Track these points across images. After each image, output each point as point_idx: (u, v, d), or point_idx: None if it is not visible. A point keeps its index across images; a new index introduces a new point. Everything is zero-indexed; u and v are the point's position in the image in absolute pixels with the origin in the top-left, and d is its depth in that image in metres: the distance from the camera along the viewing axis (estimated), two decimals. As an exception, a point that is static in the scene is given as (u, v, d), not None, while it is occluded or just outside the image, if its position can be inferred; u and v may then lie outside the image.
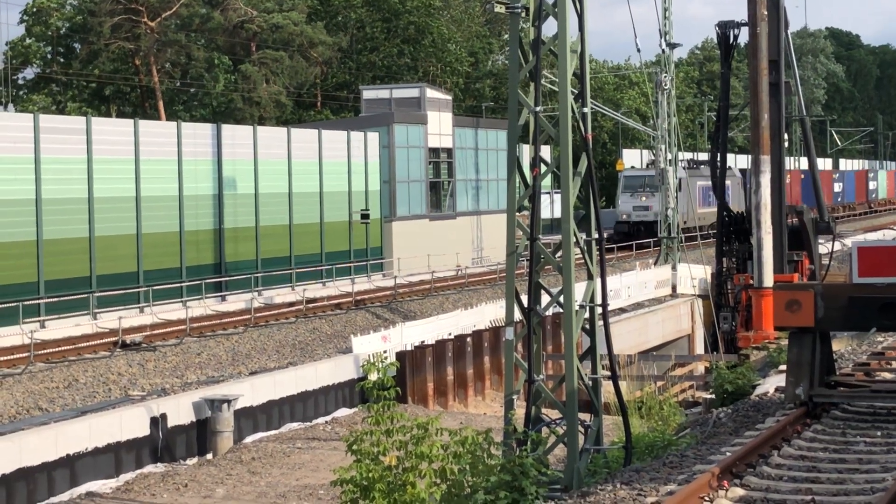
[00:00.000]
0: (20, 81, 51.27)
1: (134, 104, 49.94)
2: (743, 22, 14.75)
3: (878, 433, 11.21)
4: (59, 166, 23.41)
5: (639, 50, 31.98)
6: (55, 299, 22.67)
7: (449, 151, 36.00)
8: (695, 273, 31.11)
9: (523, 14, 11.49)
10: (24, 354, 19.13)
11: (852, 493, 8.97)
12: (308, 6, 52.74)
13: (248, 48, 49.63)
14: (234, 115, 46.11)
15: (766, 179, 12.64)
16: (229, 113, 45.96)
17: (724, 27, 16.01)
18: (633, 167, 45.85)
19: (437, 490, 10.15)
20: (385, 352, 18.99)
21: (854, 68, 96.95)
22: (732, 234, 16.03)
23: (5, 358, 19.05)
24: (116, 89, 49.85)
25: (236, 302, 26.82)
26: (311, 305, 26.53)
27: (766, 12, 12.16)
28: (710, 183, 29.46)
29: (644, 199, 42.46)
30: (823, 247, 15.69)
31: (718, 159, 17.36)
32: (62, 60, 50.82)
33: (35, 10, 49.59)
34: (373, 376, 11.16)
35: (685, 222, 37.67)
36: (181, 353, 21.36)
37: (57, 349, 20.27)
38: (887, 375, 14.05)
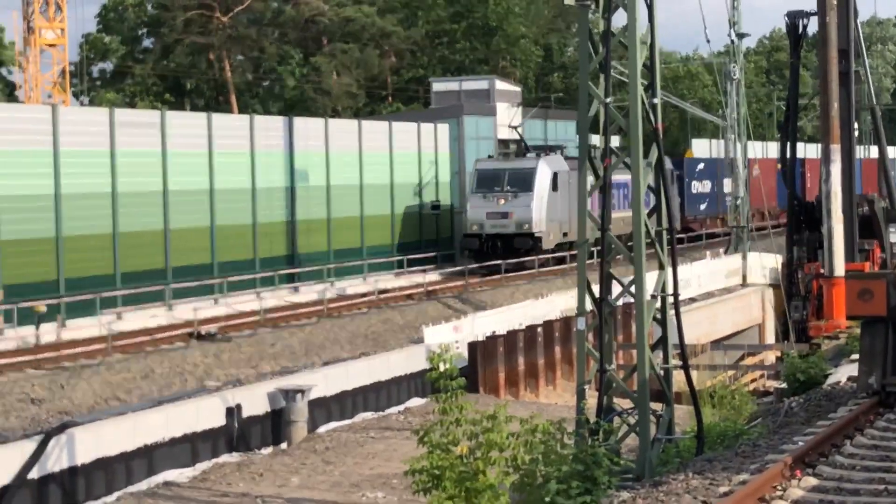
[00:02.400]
0: (94, 75, 53.45)
1: (207, 98, 51.50)
2: (812, 11, 14.77)
3: None
4: (133, 160, 24.20)
5: (708, 41, 32.29)
6: (131, 291, 23.48)
7: (518, 143, 36.40)
8: (765, 262, 30.81)
9: (592, 6, 11.75)
10: (102, 346, 19.76)
11: None
12: (384, 0, 54.21)
13: (319, 42, 50.35)
14: (306, 108, 46.91)
15: (836, 169, 12.70)
16: (302, 106, 46.86)
17: (794, 17, 16.02)
18: (489, 156, 35.54)
19: (507, 478, 10.37)
20: (456, 342, 19.40)
21: None
22: (803, 223, 16.01)
23: (84, 349, 19.78)
24: (190, 84, 51.47)
25: (309, 293, 27.39)
26: (382, 296, 26.97)
27: (835, 1, 12.21)
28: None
29: (502, 202, 30.60)
30: (895, 235, 15.75)
31: (789, 149, 17.36)
32: (137, 56, 52.85)
33: (112, 5, 51.76)
34: (442, 366, 11.65)
35: (565, 233, 32.09)
36: (255, 344, 22.01)
37: (133, 340, 20.93)
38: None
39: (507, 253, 29.59)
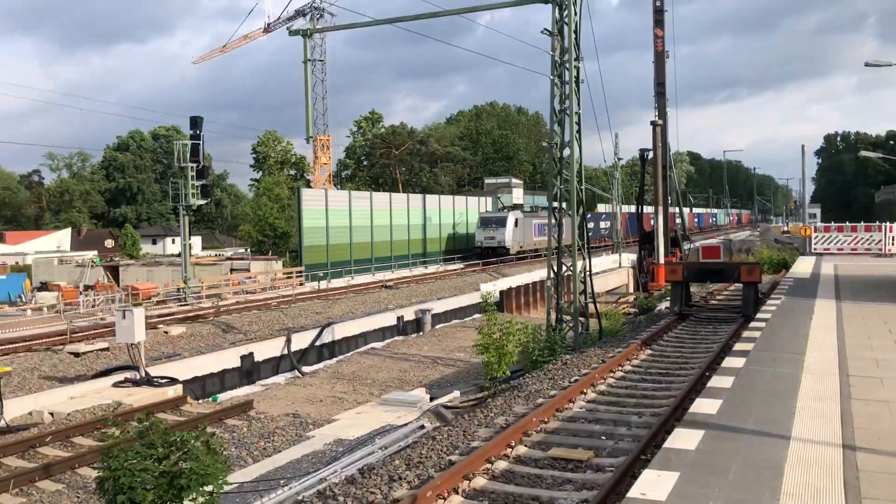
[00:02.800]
0: (342, 177, 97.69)
1: (389, 186, 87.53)
2: (649, 149, 25.75)
3: (710, 326, 19.76)
4: (358, 212, 46.32)
5: (605, 161, 55.96)
6: (357, 268, 44.49)
7: (521, 206, 68.59)
8: (629, 257, 49.73)
9: (556, 148, 24.39)
10: (345, 291, 36.15)
11: (699, 352, 16.20)
12: (460, 136, 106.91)
13: (436, 161, 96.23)
14: (431, 191, 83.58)
15: (661, 217, 23.82)
16: (429, 190, 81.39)
17: (643, 150, 26.80)
18: (487, 211, 63.47)
19: (516, 349, 20.09)
20: (494, 290, 34.07)
21: (698, 168, 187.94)
22: (645, 240, 26.59)
23: (338, 292, 35.76)
24: (381, 180, 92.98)
25: (432, 268, 47.81)
26: (463, 269, 45.60)
27: (660, 143, 24.07)
28: (543, 221, 56.18)
29: (492, 231, 55.53)
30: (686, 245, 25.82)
31: (638, 208, 27.82)
32: (361, 167, 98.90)
33: (352, 146, 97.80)
34: (484, 300, 24.43)
35: (521, 247, 56.85)
36: (410, 291, 36.84)
37: (359, 289, 36.89)
38: (714, 301, 25.33)
39: (494, 256, 54.34)
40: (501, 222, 55.75)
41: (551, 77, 23.39)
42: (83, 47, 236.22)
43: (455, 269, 51.24)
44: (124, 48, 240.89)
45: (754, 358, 11.57)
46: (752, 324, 15.48)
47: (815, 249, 33.34)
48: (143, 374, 18.70)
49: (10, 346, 22.09)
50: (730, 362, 11.40)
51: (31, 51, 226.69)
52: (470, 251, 58.30)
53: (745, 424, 8.00)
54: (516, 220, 56.67)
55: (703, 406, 8.83)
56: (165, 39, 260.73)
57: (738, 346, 13.02)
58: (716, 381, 10.18)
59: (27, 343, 22.57)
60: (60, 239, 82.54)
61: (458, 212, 60.95)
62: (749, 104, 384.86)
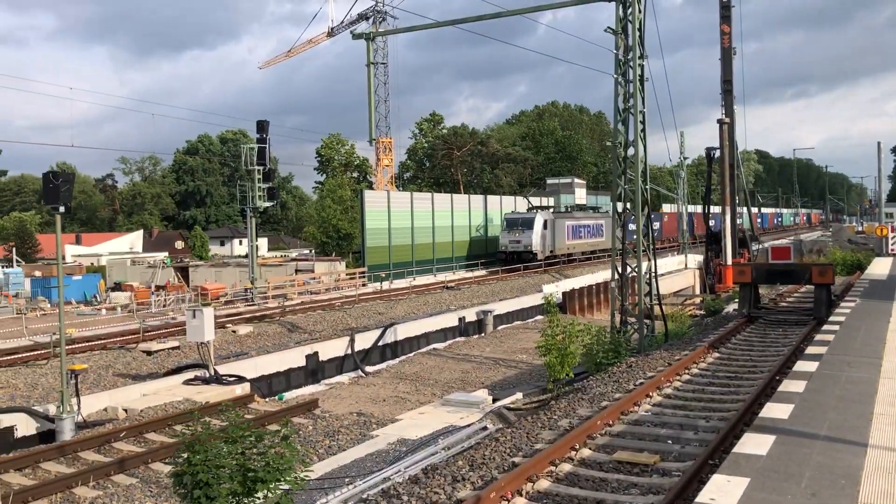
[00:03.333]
0: (404, 179, 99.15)
1: (450, 188, 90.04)
2: (716, 147, 25.14)
3: (780, 329, 19.51)
4: (419, 213, 46.50)
5: (670, 160, 53.41)
6: (418, 268, 44.46)
7: (582, 206, 68.81)
8: (696, 258, 48.80)
9: (620, 143, 23.62)
10: (407, 292, 36.13)
11: (769, 355, 15.90)
12: (522, 136, 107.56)
13: (497, 161, 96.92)
14: (493, 192, 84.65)
15: (728, 217, 23.31)
16: (490, 191, 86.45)
17: (709, 149, 26.34)
18: (513, 211, 56.83)
19: (579, 350, 19.69)
20: (557, 291, 34.05)
21: (766, 167, 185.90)
22: (712, 240, 26.05)
23: (399, 293, 35.94)
24: (442, 180, 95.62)
25: (487, 270, 47.00)
26: (523, 270, 44.71)
27: (727, 142, 23.44)
28: (581, 222, 55.52)
29: (517, 234, 49.60)
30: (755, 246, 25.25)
31: (706, 208, 27.42)
32: (423, 169, 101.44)
33: (414, 148, 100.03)
34: (546, 301, 24.27)
35: (551, 251, 50.88)
36: (471, 292, 36.83)
37: (421, 290, 37.09)
38: (784, 304, 24.60)
39: (520, 262, 48.93)
40: (528, 224, 50.54)
41: (615, 76, 23.12)
42: (155, 54, 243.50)
43: (516, 271, 50.66)
44: (194, 54, 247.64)
45: (828, 362, 11.22)
46: (825, 327, 15.07)
47: (892, 250, 32.17)
48: (213, 373, 19.16)
49: (87, 344, 22.88)
50: (802, 366, 11.09)
51: (105, 59, 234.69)
52: (495, 255, 53.67)
53: (818, 430, 7.77)
54: (545, 221, 51.46)
55: (774, 410, 8.61)
56: (233, 45, 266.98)
57: (810, 350, 12.66)
58: (787, 386, 9.91)
59: (102, 341, 23.35)
60: (133, 240, 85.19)
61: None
62: (820, 101, 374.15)
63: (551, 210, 55.33)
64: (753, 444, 7.38)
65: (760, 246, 24.32)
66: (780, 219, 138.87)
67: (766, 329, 20.08)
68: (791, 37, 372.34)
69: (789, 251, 21.51)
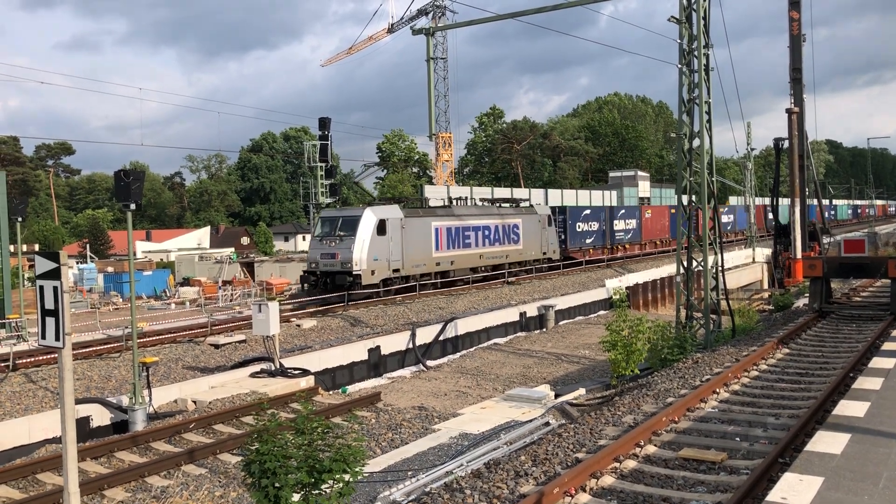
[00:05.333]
0: (464, 174, 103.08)
1: (510, 182, 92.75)
2: (785, 137, 24.17)
3: (854, 325, 19.22)
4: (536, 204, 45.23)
5: (737, 151, 49.70)
6: None
7: (648, 199, 65.28)
8: (763, 251, 47.82)
9: (685, 134, 23.27)
10: (467, 287, 35.89)
11: (842, 351, 15.63)
12: (582, 128, 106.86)
13: (559, 154, 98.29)
14: (556, 185, 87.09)
15: (797, 209, 22.40)
16: (552, 185, 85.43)
17: (777, 140, 25.25)
18: (328, 206, 43.18)
19: (645, 346, 19.43)
20: (619, 286, 33.37)
21: (837, 157, 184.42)
22: (781, 232, 24.97)
23: (461, 288, 35.61)
24: (501, 175, 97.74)
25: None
26: (585, 265, 44.10)
27: (796, 132, 22.59)
28: (455, 223, 35.26)
29: (332, 245, 30.94)
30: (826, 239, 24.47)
31: (774, 201, 26.48)
32: (483, 164, 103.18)
33: (472, 143, 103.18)
34: (615, 296, 24.01)
35: (396, 269, 32.38)
36: (532, 286, 36.48)
37: (481, 285, 36.91)
38: (857, 298, 23.80)
39: (336, 288, 30.38)
40: (350, 227, 31.19)
41: (679, 66, 22.70)
42: (221, 55, 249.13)
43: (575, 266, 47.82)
44: (258, 54, 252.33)
45: (906, 358, 10.81)
46: (903, 322, 14.53)
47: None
48: (278, 366, 19.50)
49: (157, 337, 23.55)
50: (878, 363, 10.73)
51: (174, 60, 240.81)
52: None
53: (896, 429, 7.50)
54: (382, 223, 31.64)
55: (849, 408, 8.35)
56: (296, 44, 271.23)
57: (886, 346, 12.28)
58: (862, 383, 9.60)
59: (172, 335, 24.00)
60: (200, 237, 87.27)
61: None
62: (895, 87, 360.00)
63: (400, 205, 34.76)
64: (826, 442, 7.17)
65: (831, 239, 23.54)
66: (832, 212, 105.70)
67: (839, 325, 19.64)
68: (864, 22, 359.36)
69: (863, 244, 20.78)
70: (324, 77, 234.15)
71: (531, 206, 43.18)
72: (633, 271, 40.98)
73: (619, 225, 51.97)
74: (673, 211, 57.27)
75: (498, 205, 41.10)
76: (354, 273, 30.33)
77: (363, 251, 30.64)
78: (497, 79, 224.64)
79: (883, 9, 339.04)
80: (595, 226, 49.25)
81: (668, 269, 38.47)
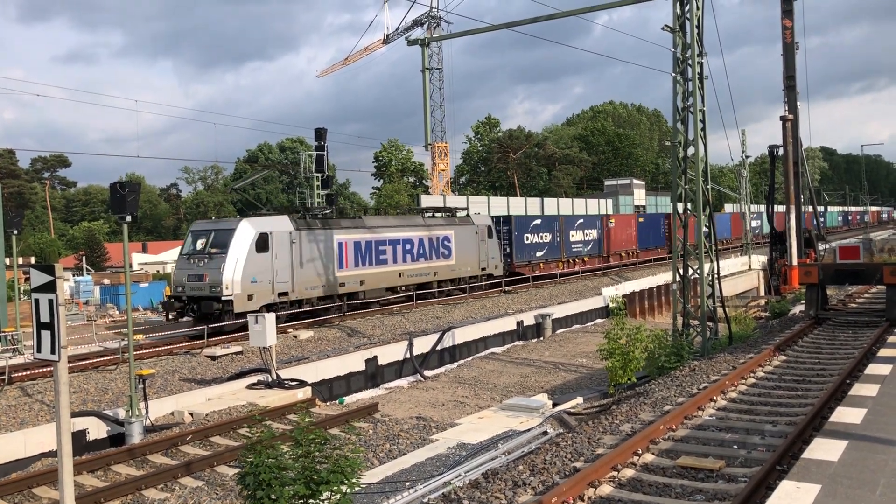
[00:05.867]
0: (460, 183, 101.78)
1: (506, 191, 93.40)
2: (779, 145, 24.45)
3: (850, 331, 19.10)
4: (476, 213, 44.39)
5: (732, 159, 50.04)
6: None
7: (644, 207, 66.22)
8: (759, 258, 47.75)
9: (680, 142, 23.06)
10: (464, 296, 35.75)
11: (839, 358, 15.47)
12: (575, 137, 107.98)
13: (554, 163, 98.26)
14: (551, 194, 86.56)
15: (793, 217, 22.56)
16: (547, 193, 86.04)
17: (772, 147, 25.60)
18: (201, 218, 35.98)
19: (642, 355, 19.52)
20: (616, 294, 33.31)
21: (832, 164, 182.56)
22: (777, 240, 25.27)
23: (457, 297, 35.41)
24: (496, 184, 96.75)
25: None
26: (581, 274, 43.85)
27: (791, 140, 22.77)
28: (365, 236, 30.57)
29: (200, 264, 26.13)
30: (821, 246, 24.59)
31: (770, 208, 26.64)
32: (478, 173, 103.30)
33: (468, 152, 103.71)
34: (612, 304, 24.05)
35: (284, 292, 27.51)
36: (528, 295, 36.43)
37: (479, 294, 36.68)
38: (853, 305, 23.76)
39: (205, 318, 25.70)
40: (222, 243, 26.38)
41: (673, 74, 22.76)
42: (218, 66, 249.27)
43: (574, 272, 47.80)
44: (255, 65, 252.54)
45: (902, 365, 10.82)
46: (899, 328, 14.54)
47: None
48: (275, 377, 19.46)
49: (154, 349, 23.49)
50: (874, 369, 10.74)
51: (171, 72, 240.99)
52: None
53: (894, 436, 7.51)
54: (262, 237, 26.86)
55: (846, 415, 8.35)
56: (292, 56, 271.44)
57: (883, 353, 12.29)
58: (858, 390, 9.61)
59: (168, 346, 23.93)
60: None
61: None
62: (889, 94, 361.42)
63: (294, 216, 29.42)
64: (824, 449, 7.17)
65: (826, 246, 23.60)
66: (822, 219, 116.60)
67: (835, 331, 19.61)
68: (856, 30, 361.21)
69: (858, 251, 20.84)
70: (320, 88, 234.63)
71: (467, 215, 38.50)
72: (630, 279, 40.96)
73: (575, 236, 46.42)
74: (641, 220, 54.15)
75: (424, 214, 36.24)
76: (224, 298, 25.29)
77: (236, 272, 25.60)
78: (492, 89, 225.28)
79: (874, 16, 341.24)
80: (547, 237, 43.80)
81: (665, 277, 38.57)
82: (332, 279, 29.36)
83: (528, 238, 42.11)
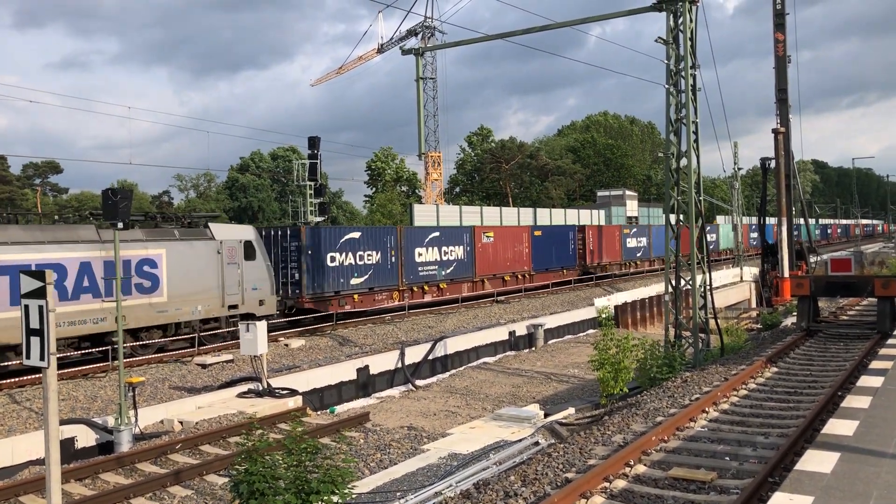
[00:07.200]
0: (454, 193, 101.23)
1: (499, 201, 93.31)
2: (771, 157, 24.65)
3: (842, 343, 19.19)
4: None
5: (724, 171, 50.18)
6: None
7: (636, 219, 67.42)
8: (751, 270, 48.06)
9: (672, 154, 23.75)
10: (456, 306, 35.57)
11: (830, 370, 15.66)
12: (567, 148, 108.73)
13: (546, 174, 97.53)
14: (542, 204, 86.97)
15: (784, 229, 22.75)
16: (538, 203, 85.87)
17: (764, 160, 25.74)
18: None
19: (633, 365, 19.42)
20: (608, 305, 33.25)
21: (823, 177, 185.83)
22: (768, 252, 25.34)
23: (450, 307, 34.93)
24: (490, 194, 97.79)
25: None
26: (575, 284, 43.76)
27: (783, 152, 22.90)
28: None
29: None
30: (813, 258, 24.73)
31: (762, 220, 26.68)
32: (473, 182, 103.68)
33: (461, 161, 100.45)
34: (602, 315, 23.95)
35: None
36: (521, 305, 36.40)
37: (471, 304, 36.57)
38: (845, 317, 23.88)
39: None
40: None
41: (666, 86, 22.88)
42: (212, 74, 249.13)
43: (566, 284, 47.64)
44: (249, 74, 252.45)
45: (894, 377, 10.83)
46: (890, 341, 14.63)
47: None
48: (266, 386, 19.36)
49: (143, 357, 23.34)
50: (866, 381, 10.75)
51: (165, 79, 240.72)
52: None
53: (886, 448, 7.50)
54: None
55: (838, 427, 8.35)
56: (287, 65, 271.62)
57: (874, 365, 12.30)
58: (850, 401, 9.61)
59: (158, 354, 23.79)
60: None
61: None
62: (878, 108, 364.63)
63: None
64: (816, 461, 7.16)
65: (818, 258, 23.67)
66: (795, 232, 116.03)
67: (827, 343, 19.68)
68: (847, 44, 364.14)
69: (849, 263, 20.91)
70: (314, 97, 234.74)
71: (206, 227, 25.38)
72: (623, 290, 40.99)
73: (425, 255, 35.52)
74: (538, 233, 43.71)
75: (99, 224, 22.56)
76: None
77: None
78: (486, 99, 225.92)
79: (865, 32, 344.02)
80: (373, 257, 32.57)
81: (657, 288, 38.68)
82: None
83: (334, 259, 30.64)
